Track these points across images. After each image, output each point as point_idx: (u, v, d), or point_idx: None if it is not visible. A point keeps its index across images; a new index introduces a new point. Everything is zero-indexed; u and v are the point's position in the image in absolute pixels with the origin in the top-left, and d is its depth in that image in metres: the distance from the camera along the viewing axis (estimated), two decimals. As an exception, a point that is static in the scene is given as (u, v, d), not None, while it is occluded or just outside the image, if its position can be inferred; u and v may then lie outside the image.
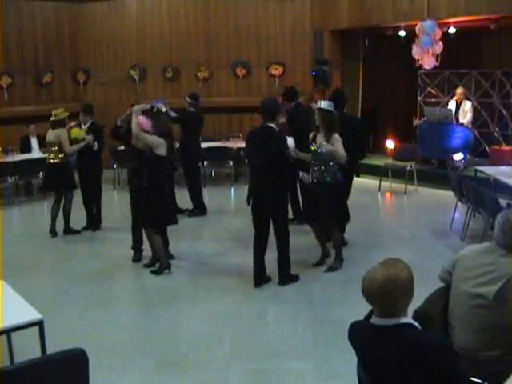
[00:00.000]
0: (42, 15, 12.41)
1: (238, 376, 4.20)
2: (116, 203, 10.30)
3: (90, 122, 7.87)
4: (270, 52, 12.32)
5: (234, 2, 12.38)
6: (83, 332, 4.90)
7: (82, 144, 7.66)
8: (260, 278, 5.83)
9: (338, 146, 5.87)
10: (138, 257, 6.70)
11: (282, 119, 7.95)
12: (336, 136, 5.91)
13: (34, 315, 3.50)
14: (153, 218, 6.09)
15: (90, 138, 7.73)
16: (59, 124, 7.57)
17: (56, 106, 8.13)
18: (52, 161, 7.63)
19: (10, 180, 9.85)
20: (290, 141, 5.95)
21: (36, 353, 3.40)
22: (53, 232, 7.73)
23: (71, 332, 4.88)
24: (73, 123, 7.93)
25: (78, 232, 7.88)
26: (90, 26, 12.76)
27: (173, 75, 12.68)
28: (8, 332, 3.63)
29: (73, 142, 7.64)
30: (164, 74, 12.71)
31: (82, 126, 7.83)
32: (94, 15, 12.77)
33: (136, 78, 12.73)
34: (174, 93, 12.07)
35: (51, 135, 7.59)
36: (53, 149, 7.57)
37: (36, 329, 3.47)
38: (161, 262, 6.25)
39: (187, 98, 8.63)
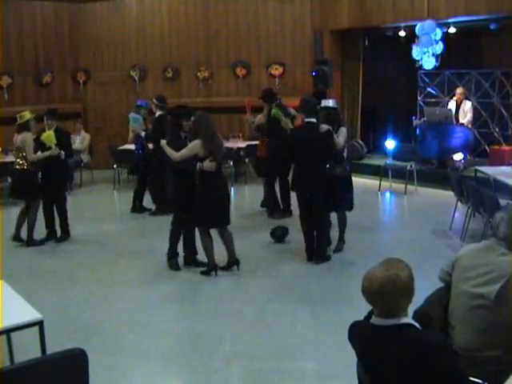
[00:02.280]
0: (42, 15, 12.42)
1: (239, 376, 4.20)
2: (116, 203, 10.31)
3: (54, 126, 7.37)
4: (270, 52, 12.32)
5: (233, 2, 12.38)
6: (83, 332, 4.90)
7: (46, 154, 7.14)
8: (311, 251, 6.42)
9: (339, 137, 6.28)
10: (191, 258, 6.47)
11: (263, 120, 8.06)
12: (342, 129, 6.39)
13: (33, 315, 3.49)
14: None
15: (55, 150, 7.16)
16: (24, 127, 7.13)
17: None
18: (18, 167, 7.18)
19: (9, 180, 9.84)
20: None
21: (36, 353, 3.39)
22: (17, 238, 7.41)
23: (71, 332, 4.88)
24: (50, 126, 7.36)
25: (41, 243, 7.45)
26: (90, 26, 12.76)
27: (173, 75, 12.68)
28: (8, 332, 3.62)
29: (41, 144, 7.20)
30: (164, 74, 12.71)
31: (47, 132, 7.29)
32: (94, 15, 12.77)
33: (136, 78, 12.73)
34: (174, 93, 12.08)
35: (17, 139, 7.16)
36: (19, 154, 7.14)
37: (36, 329, 3.47)
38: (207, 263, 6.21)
39: (155, 101, 8.64)
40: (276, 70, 12.24)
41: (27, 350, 3.80)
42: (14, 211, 9.43)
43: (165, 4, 12.60)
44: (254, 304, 5.47)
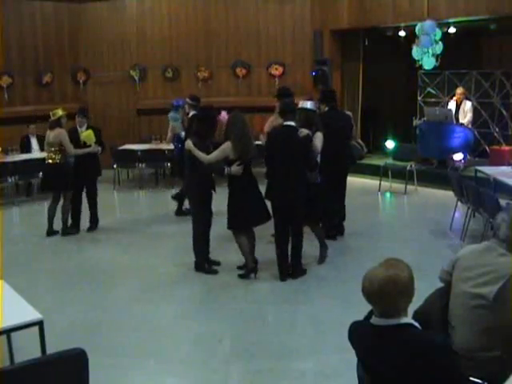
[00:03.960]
0: (41, 15, 12.42)
1: (238, 376, 4.21)
2: (116, 204, 10.31)
3: (85, 124, 7.86)
4: (270, 52, 12.32)
5: (233, 2, 12.38)
6: (83, 332, 4.90)
7: (86, 150, 7.70)
8: (286, 268, 6.00)
9: (316, 141, 6.01)
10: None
11: (275, 122, 7.94)
12: (319, 134, 6.07)
13: (33, 315, 3.49)
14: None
15: (96, 148, 7.81)
16: (56, 124, 7.53)
17: (56, 106, 8.11)
18: (51, 161, 7.61)
19: (9, 180, 9.87)
20: None
21: (36, 353, 3.39)
22: (51, 233, 7.73)
23: (71, 332, 4.88)
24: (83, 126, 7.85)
25: (77, 232, 7.86)
26: (90, 26, 12.76)
27: (173, 75, 12.69)
28: (8, 332, 3.62)
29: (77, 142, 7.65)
30: (164, 74, 12.72)
31: (79, 129, 7.78)
32: (94, 15, 12.77)
33: (136, 78, 12.74)
34: (174, 93, 12.07)
35: (50, 135, 7.58)
36: (52, 149, 7.56)
37: (36, 329, 3.47)
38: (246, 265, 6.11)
39: (189, 100, 8.53)
40: (276, 70, 12.25)
41: (27, 350, 3.80)
42: (15, 211, 9.47)
43: (165, 4, 12.61)
44: (254, 304, 5.47)
